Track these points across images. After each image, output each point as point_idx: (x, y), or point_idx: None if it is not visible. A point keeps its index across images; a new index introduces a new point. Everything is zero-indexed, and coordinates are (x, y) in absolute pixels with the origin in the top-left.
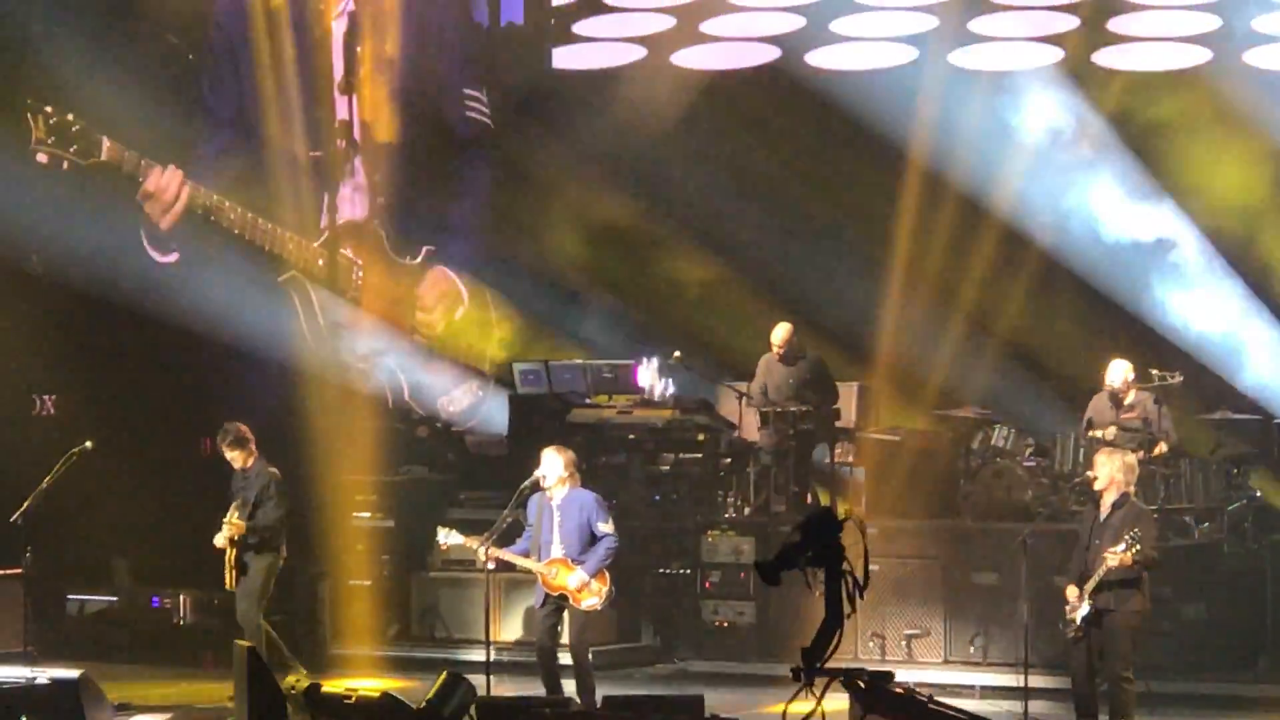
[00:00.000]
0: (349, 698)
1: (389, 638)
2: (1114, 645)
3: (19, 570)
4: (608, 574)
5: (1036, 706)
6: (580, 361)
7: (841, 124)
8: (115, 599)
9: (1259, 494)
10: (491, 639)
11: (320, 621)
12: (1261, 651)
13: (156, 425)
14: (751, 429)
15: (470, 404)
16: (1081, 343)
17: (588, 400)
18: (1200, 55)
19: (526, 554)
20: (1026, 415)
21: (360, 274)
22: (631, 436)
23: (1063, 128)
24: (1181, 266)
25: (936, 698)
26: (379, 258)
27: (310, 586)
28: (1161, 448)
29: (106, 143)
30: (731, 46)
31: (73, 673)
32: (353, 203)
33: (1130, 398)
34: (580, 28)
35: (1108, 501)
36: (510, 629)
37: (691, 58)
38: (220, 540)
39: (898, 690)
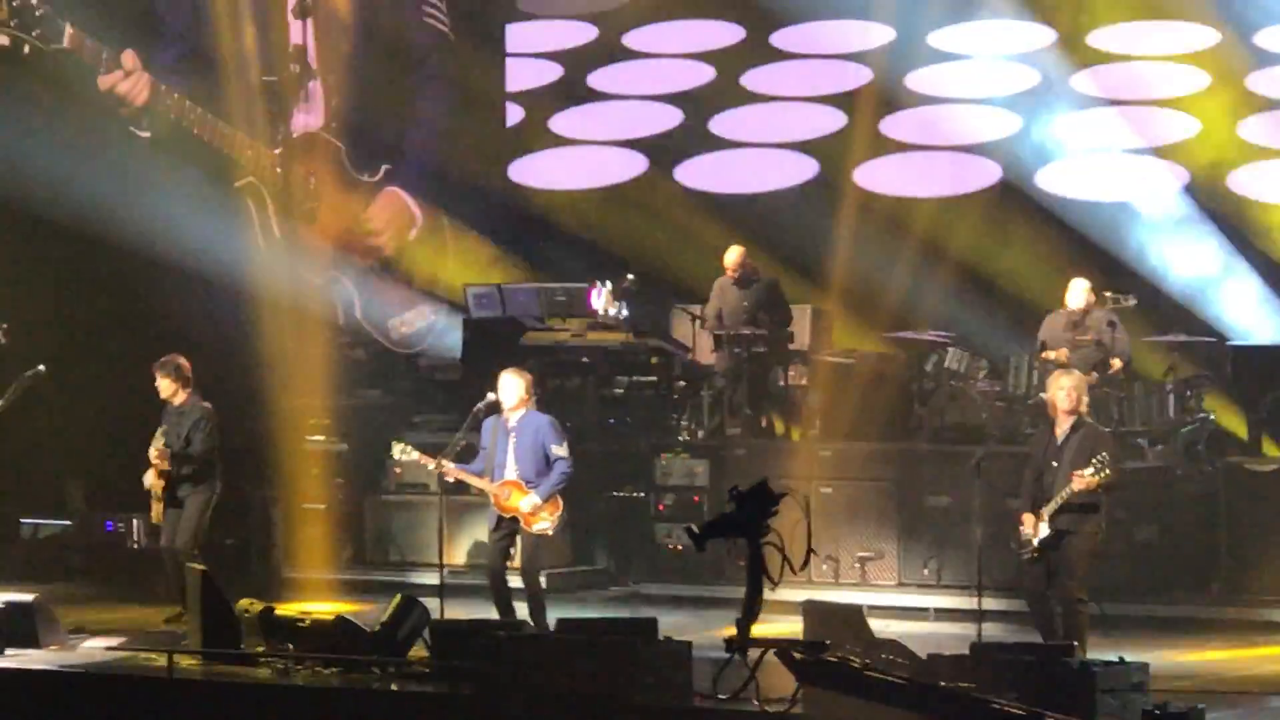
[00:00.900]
0: (303, 621)
1: (343, 561)
2: (1069, 566)
3: None
4: (560, 499)
5: (990, 629)
6: (534, 285)
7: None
8: (69, 523)
9: (1212, 417)
10: (445, 562)
11: (274, 545)
12: (1214, 574)
13: (109, 349)
14: (705, 352)
15: (422, 327)
16: (1035, 265)
17: (541, 323)
18: None
19: (480, 474)
20: (980, 338)
21: (315, 185)
22: (585, 360)
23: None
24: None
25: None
26: (335, 172)
27: (263, 511)
28: (1116, 364)
29: (69, 30)
30: None
31: (27, 596)
32: (309, 127)
33: (1087, 319)
34: None
35: (1064, 424)
36: (463, 552)
37: None
38: (149, 479)
39: (832, 660)
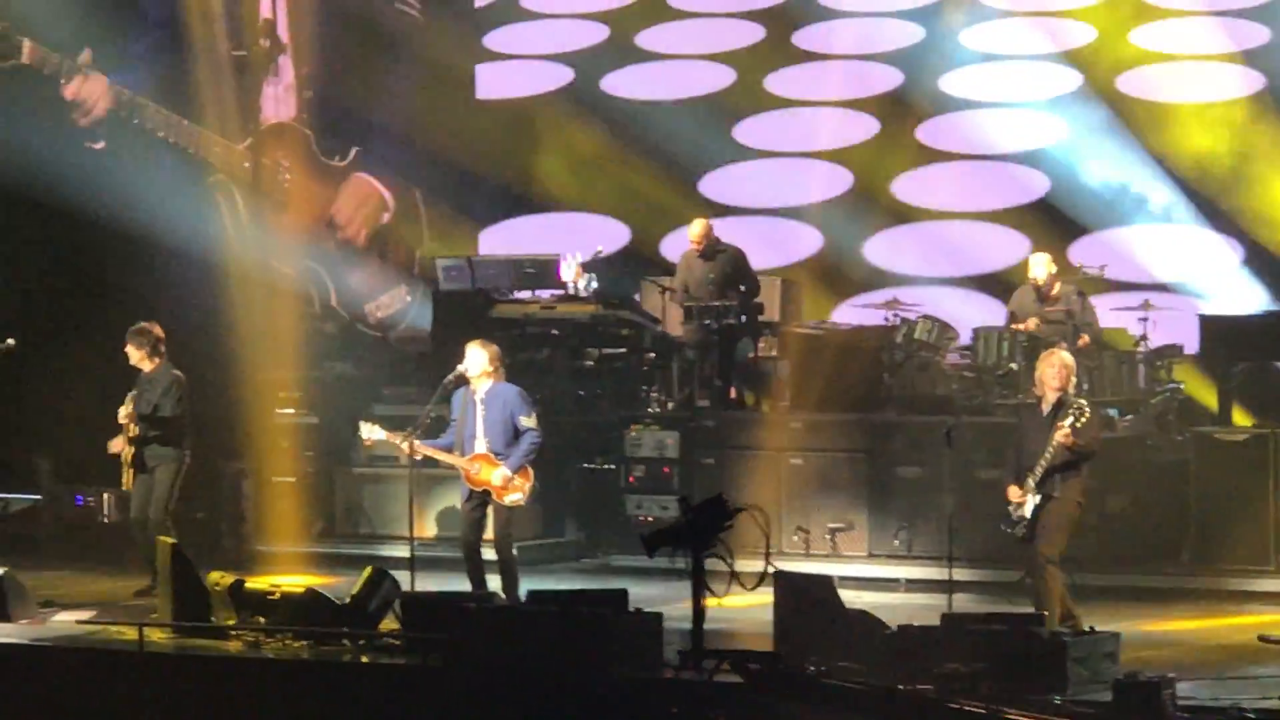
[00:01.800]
0: (273, 594)
1: (313, 534)
2: (1047, 526)
3: None
4: (531, 469)
5: (960, 599)
6: (504, 257)
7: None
8: (39, 497)
9: (1182, 386)
10: (415, 535)
11: (244, 518)
12: (1184, 544)
13: (79, 323)
14: (675, 324)
15: (399, 310)
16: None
17: (511, 295)
18: None
19: (450, 449)
20: (950, 308)
21: (287, 177)
22: (555, 332)
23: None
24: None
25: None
26: (305, 160)
27: (233, 483)
28: (1085, 339)
29: (27, 45)
30: None
31: None
32: (279, 102)
33: (1054, 290)
34: None
35: (1050, 402)
36: (434, 524)
37: None
38: (116, 445)
39: (786, 669)
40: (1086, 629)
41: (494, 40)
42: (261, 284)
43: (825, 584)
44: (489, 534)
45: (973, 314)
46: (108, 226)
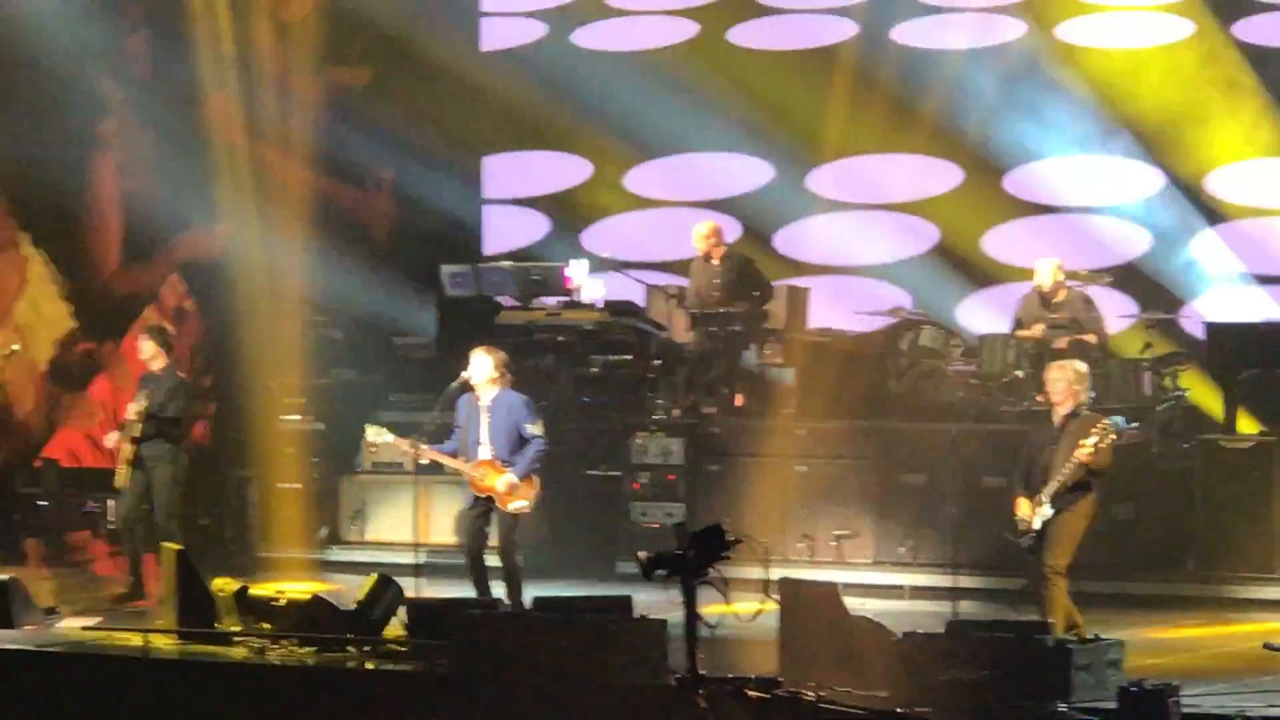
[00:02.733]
0: (278, 600)
1: (318, 541)
2: (1055, 537)
3: None
4: (536, 477)
5: (966, 606)
6: (509, 264)
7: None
8: (45, 503)
9: (1187, 394)
10: (421, 541)
11: (249, 525)
12: (1189, 552)
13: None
14: (681, 330)
15: None
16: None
17: (516, 303)
18: None
19: (455, 454)
20: (956, 315)
21: None
22: (560, 339)
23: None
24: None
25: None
26: None
27: (238, 489)
28: (1091, 338)
29: None
30: None
31: (2, 576)
32: None
33: (1060, 296)
34: None
35: (1061, 413)
36: (439, 531)
37: None
38: (114, 439)
39: (785, 695)
40: (1091, 636)
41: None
42: (267, 290)
43: (830, 591)
44: (493, 541)
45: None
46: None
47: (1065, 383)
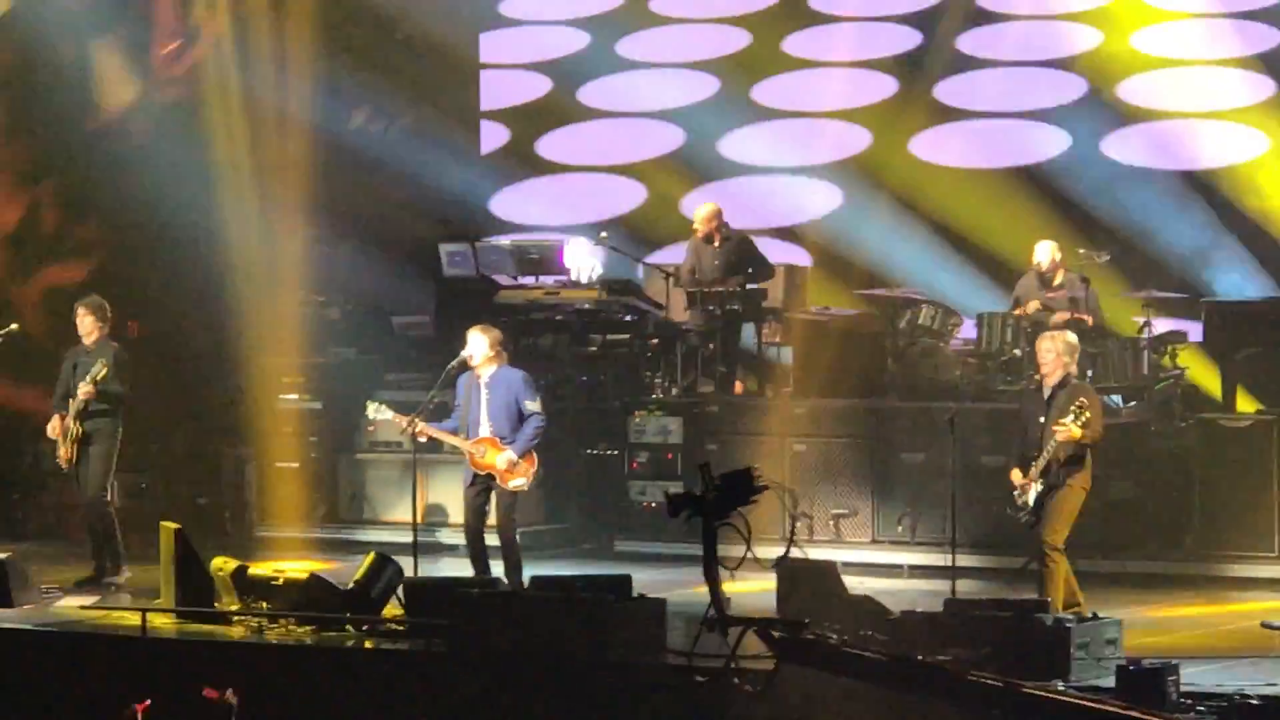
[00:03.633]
0: (276, 579)
1: (316, 520)
2: (1051, 515)
3: None
4: (535, 455)
5: (964, 585)
6: (507, 242)
7: None
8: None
9: (1186, 373)
10: (419, 520)
11: (247, 504)
12: (1188, 530)
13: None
14: (679, 309)
15: None
16: (1010, 222)
17: (514, 281)
18: None
19: (454, 432)
20: (954, 294)
21: None
22: (559, 317)
23: None
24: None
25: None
26: None
27: (237, 469)
28: (1088, 319)
29: None
30: None
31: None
32: None
33: (1059, 278)
34: None
35: (1051, 384)
36: (438, 510)
37: None
38: (58, 425)
39: (810, 637)
40: (1089, 615)
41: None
42: (264, 268)
43: (829, 570)
44: (492, 519)
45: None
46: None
47: (1055, 354)
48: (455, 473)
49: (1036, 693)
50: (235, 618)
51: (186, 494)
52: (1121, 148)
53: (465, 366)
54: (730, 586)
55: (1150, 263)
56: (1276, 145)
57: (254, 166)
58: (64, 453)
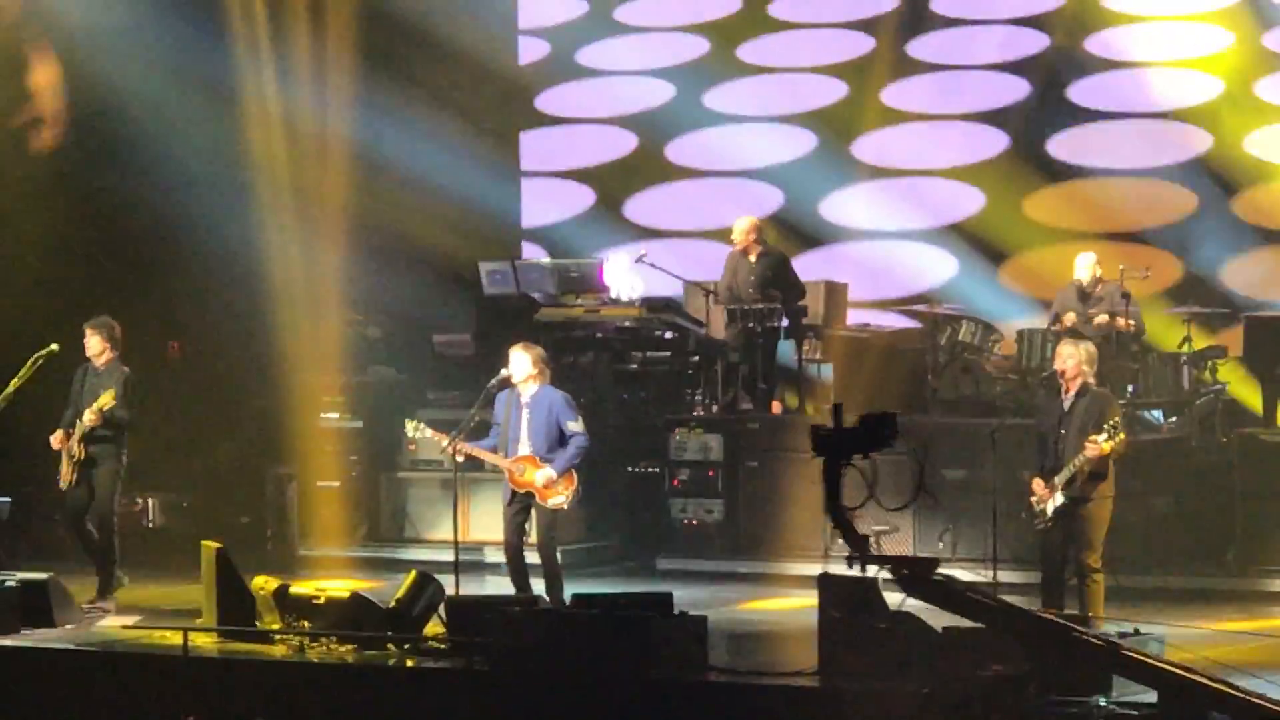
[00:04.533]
0: (318, 598)
1: (358, 538)
2: (1085, 535)
3: None
4: (574, 473)
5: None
6: (546, 261)
7: None
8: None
9: (1226, 387)
10: (460, 538)
11: (289, 523)
12: (1229, 545)
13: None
14: (719, 327)
15: None
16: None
17: (555, 300)
18: None
19: (494, 450)
20: (994, 310)
21: None
22: (599, 335)
23: None
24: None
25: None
26: None
27: (278, 488)
28: (1122, 323)
29: None
30: None
31: (41, 575)
32: None
33: (1098, 291)
34: None
35: (1073, 391)
36: (479, 528)
37: None
38: (62, 442)
39: (936, 578)
40: (1131, 631)
41: None
42: (304, 288)
43: (870, 586)
44: (532, 537)
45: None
46: (147, 232)
47: (1076, 360)
48: (497, 491)
49: (1138, 657)
50: (277, 637)
51: (228, 513)
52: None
53: (506, 385)
54: (769, 605)
55: (1192, 278)
56: None
57: (294, 185)
58: (65, 473)
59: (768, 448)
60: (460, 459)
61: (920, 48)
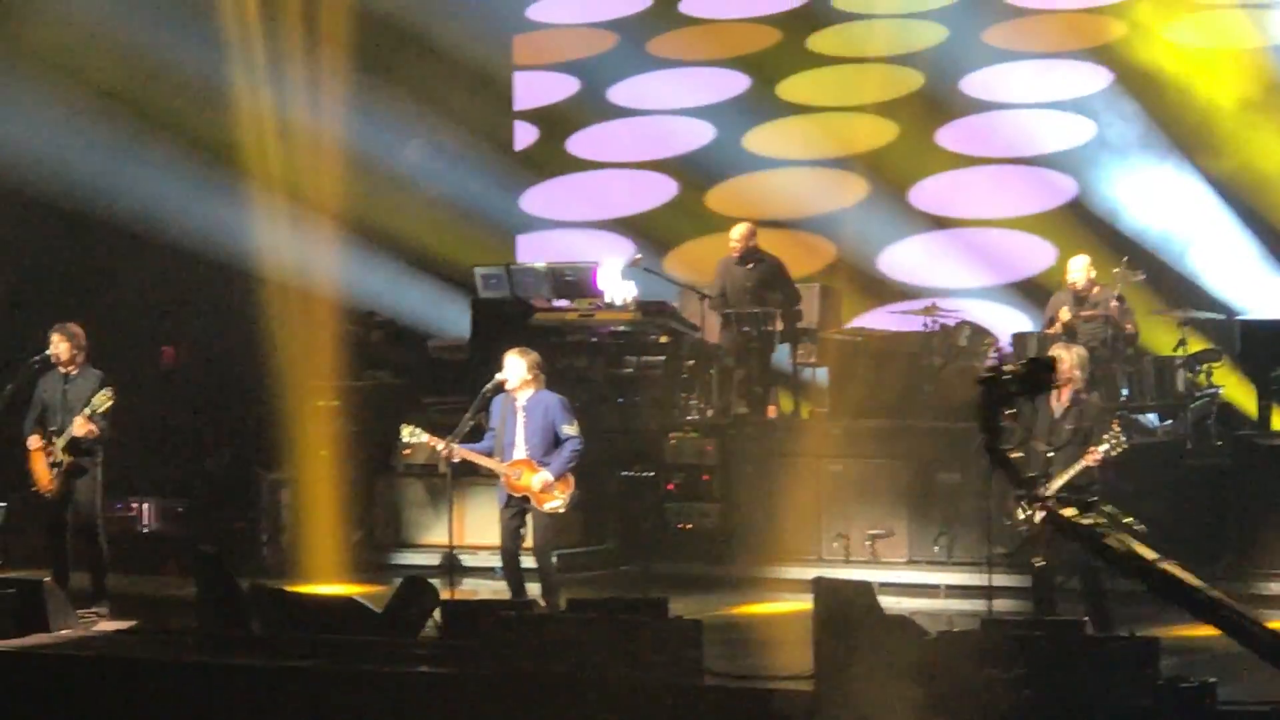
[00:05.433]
0: (312, 602)
1: (352, 543)
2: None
3: None
4: (571, 477)
5: (1000, 604)
6: (542, 265)
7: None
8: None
9: (1221, 391)
10: (455, 543)
11: (283, 527)
12: (1223, 549)
13: (114, 333)
14: (714, 331)
15: None
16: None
17: (550, 304)
18: None
19: (489, 454)
20: (988, 313)
21: None
22: (594, 340)
23: None
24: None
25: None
26: None
27: (272, 492)
28: (1129, 327)
29: None
30: None
31: (36, 579)
32: None
33: (1093, 294)
34: None
35: (1064, 397)
36: (474, 533)
37: None
38: (47, 460)
39: (1087, 521)
40: (1126, 634)
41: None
42: (299, 291)
43: (865, 590)
44: (528, 542)
45: (1008, 319)
46: (138, 236)
47: (1069, 364)
48: (492, 495)
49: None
50: (271, 642)
51: (222, 518)
52: None
53: (501, 389)
54: (764, 609)
55: (1185, 281)
56: None
57: (288, 188)
58: (48, 482)
59: (763, 452)
60: (457, 462)
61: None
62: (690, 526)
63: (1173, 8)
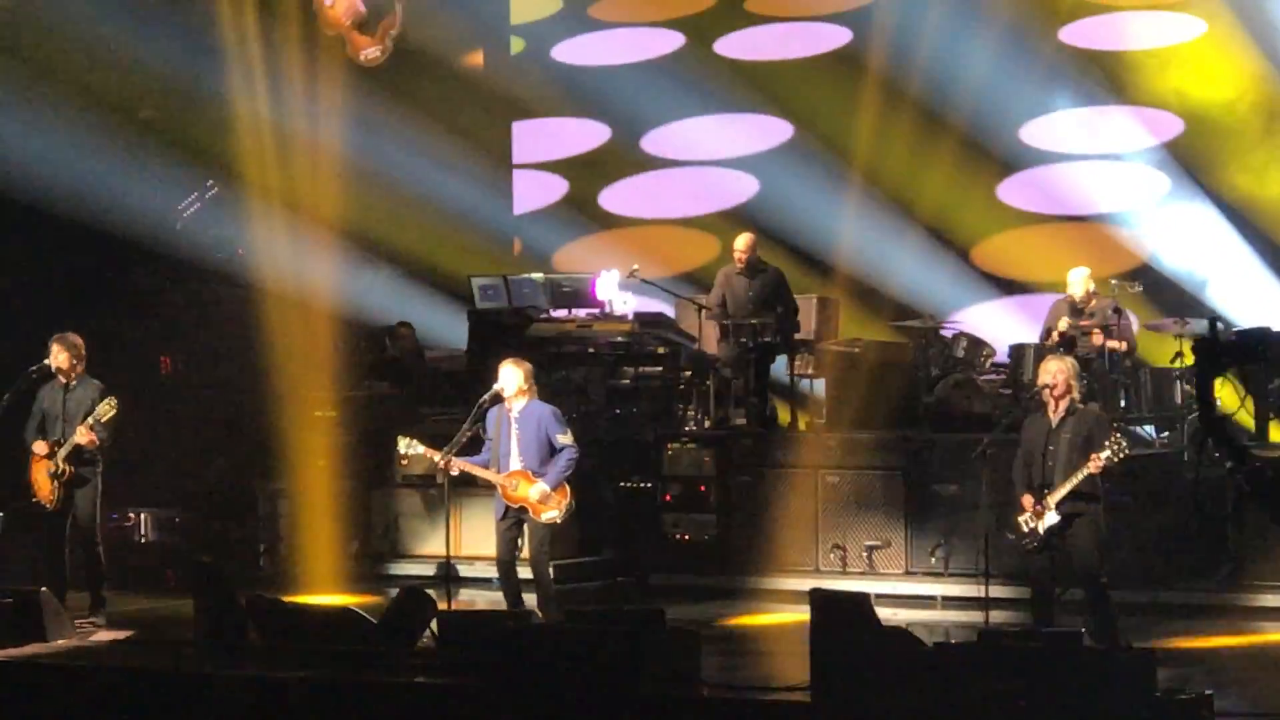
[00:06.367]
0: (309, 613)
1: (349, 553)
2: (1087, 554)
3: None
4: (568, 487)
5: (997, 616)
6: (539, 276)
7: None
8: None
9: (1219, 403)
10: (452, 553)
11: (280, 538)
12: (1222, 560)
13: (114, 343)
14: (711, 342)
15: None
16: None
17: (547, 314)
18: None
19: (486, 465)
20: (985, 324)
21: None
22: (591, 350)
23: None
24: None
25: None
26: None
27: (270, 503)
28: (1117, 345)
29: None
30: None
31: (33, 590)
32: None
33: (1091, 305)
34: None
35: (1061, 408)
36: (471, 543)
37: None
38: (46, 470)
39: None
40: (1124, 646)
41: None
42: (296, 302)
43: (862, 601)
44: (525, 552)
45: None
46: (135, 246)
47: (1064, 375)
48: (488, 506)
49: None
50: (268, 653)
51: (220, 528)
52: None
53: (497, 400)
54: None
55: (1183, 294)
56: None
57: (286, 198)
58: (48, 492)
59: (760, 463)
60: (454, 473)
61: None
62: (687, 537)
63: None
